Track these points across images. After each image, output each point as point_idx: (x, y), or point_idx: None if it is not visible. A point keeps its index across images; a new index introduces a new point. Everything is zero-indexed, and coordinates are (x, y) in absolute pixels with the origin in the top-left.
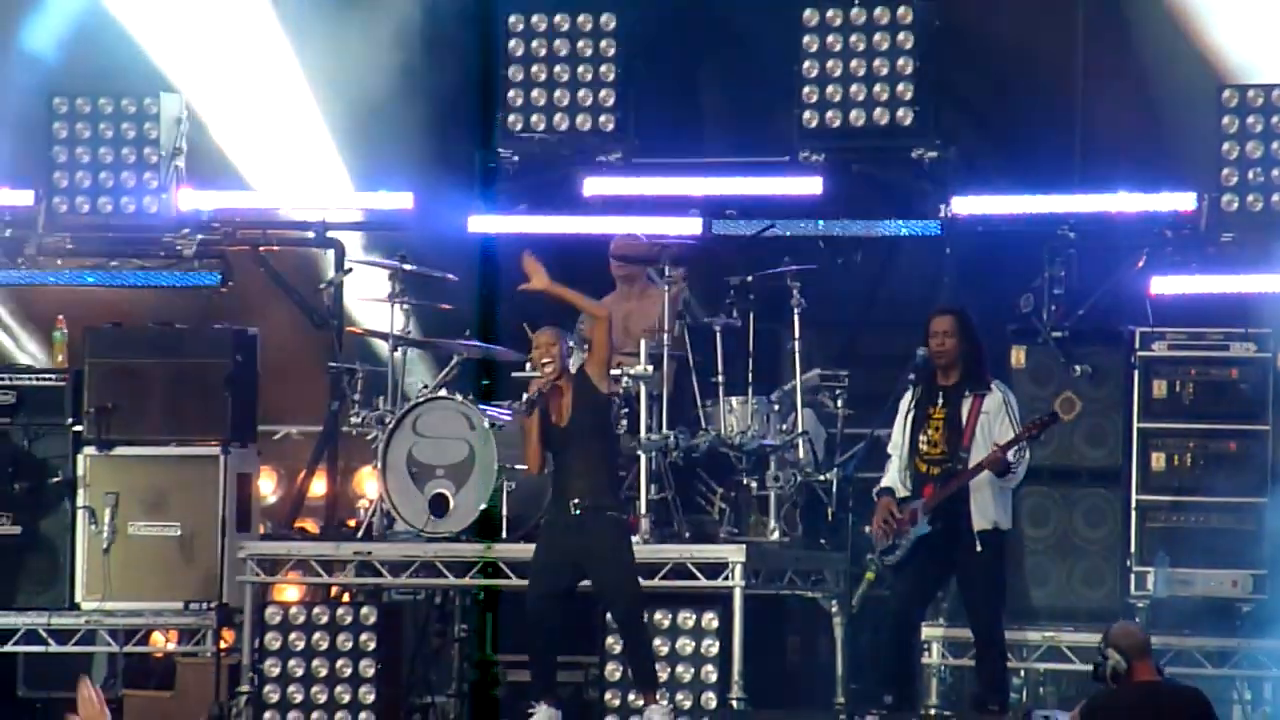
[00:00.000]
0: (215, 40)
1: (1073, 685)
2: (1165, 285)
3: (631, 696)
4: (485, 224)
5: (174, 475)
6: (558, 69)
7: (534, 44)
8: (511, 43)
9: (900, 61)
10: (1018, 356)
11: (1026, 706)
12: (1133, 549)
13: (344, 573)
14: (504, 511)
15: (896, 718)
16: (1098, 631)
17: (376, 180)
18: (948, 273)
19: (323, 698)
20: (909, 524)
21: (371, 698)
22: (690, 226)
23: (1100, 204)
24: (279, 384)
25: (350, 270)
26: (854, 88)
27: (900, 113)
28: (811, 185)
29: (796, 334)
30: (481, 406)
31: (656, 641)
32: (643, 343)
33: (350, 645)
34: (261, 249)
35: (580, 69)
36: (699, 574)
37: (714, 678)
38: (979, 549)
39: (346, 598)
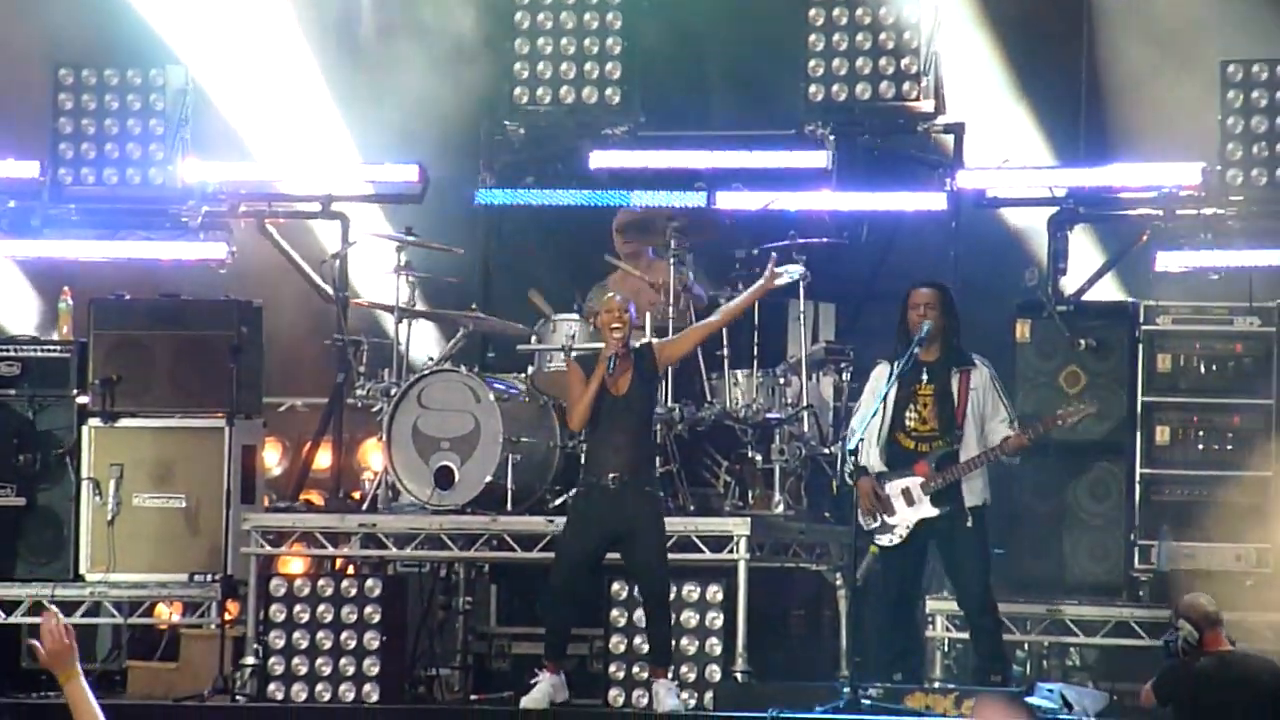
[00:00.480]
0: (220, 11)
1: (1077, 658)
2: (1169, 259)
3: (636, 669)
4: (491, 196)
5: (179, 447)
6: (564, 42)
7: (540, 17)
8: (517, 15)
9: (906, 36)
10: (1022, 330)
11: (1030, 679)
12: (1136, 522)
13: (348, 545)
14: (509, 484)
15: (900, 690)
16: (1101, 605)
17: (383, 153)
18: (953, 246)
19: (327, 670)
20: (905, 503)
21: (376, 670)
22: (696, 200)
23: (1105, 178)
24: (284, 356)
25: (356, 243)
26: (860, 61)
27: (906, 86)
28: (817, 159)
29: (802, 307)
30: (487, 379)
31: None
32: (647, 316)
33: (355, 617)
34: (267, 221)
35: (586, 42)
36: (704, 547)
37: (718, 650)
38: (970, 525)
39: (351, 570)
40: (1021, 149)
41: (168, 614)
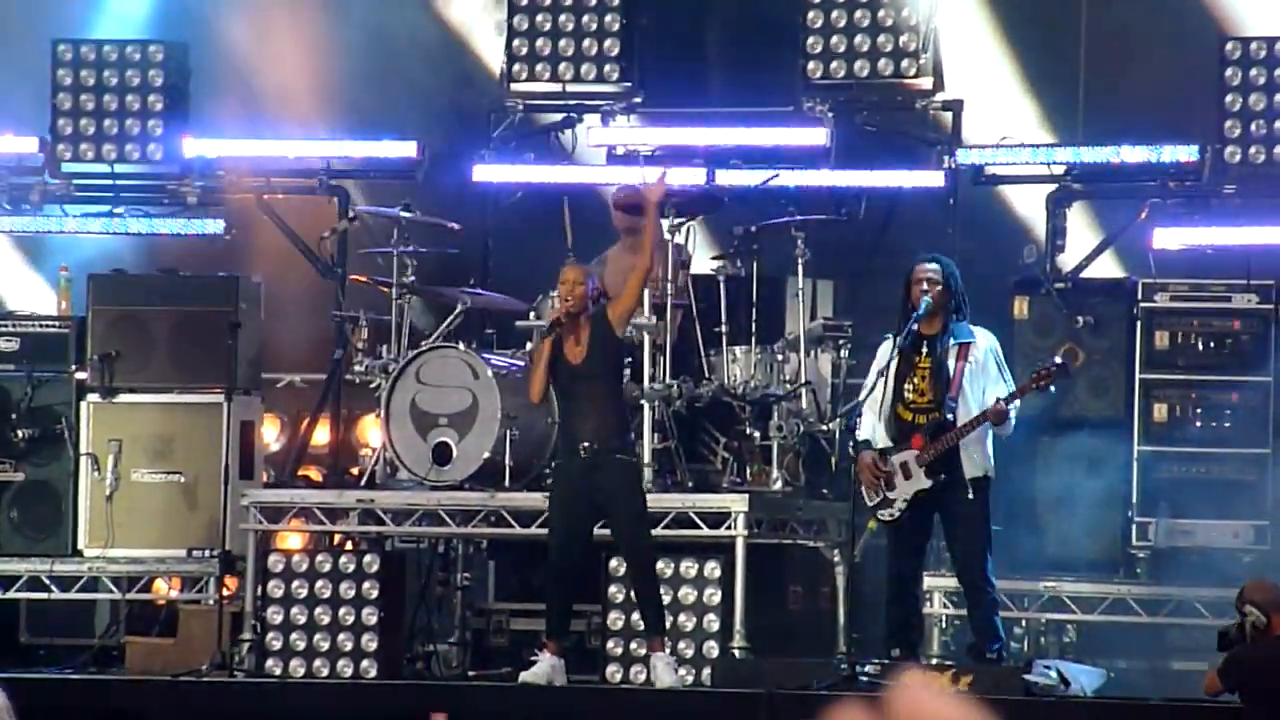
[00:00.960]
0: None
1: (1074, 635)
2: (1168, 237)
3: (634, 645)
4: (490, 173)
5: (177, 423)
6: (562, 18)
7: None
8: None
9: (904, 13)
10: (1020, 308)
11: (1028, 656)
12: (1134, 499)
13: (347, 521)
14: (507, 460)
15: (897, 667)
16: (1098, 581)
17: (382, 128)
18: (951, 224)
19: (325, 645)
20: (903, 477)
21: (374, 646)
22: (694, 177)
23: (1103, 155)
24: (283, 332)
25: (355, 218)
26: (859, 38)
27: (905, 64)
28: (816, 136)
29: (800, 284)
30: (485, 355)
31: None
32: (646, 292)
33: (353, 593)
34: (266, 196)
35: (585, 18)
36: (702, 523)
37: (716, 627)
38: (970, 496)
39: (349, 546)
40: (1020, 126)
41: (166, 590)
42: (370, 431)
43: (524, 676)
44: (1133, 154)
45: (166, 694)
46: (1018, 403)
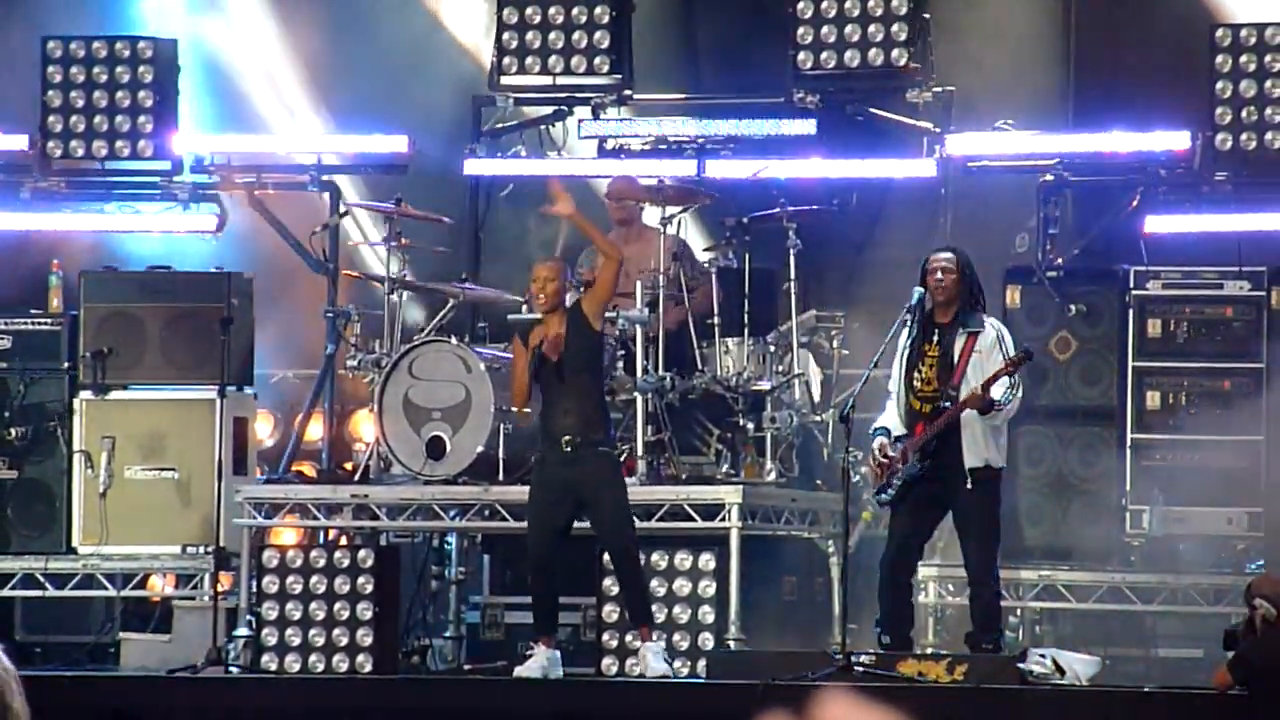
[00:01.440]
0: None
1: (1068, 624)
2: (1159, 224)
3: (629, 638)
4: (480, 167)
5: (170, 419)
6: (552, 11)
7: None
8: None
9: (895, 2)
10: (1013, 296)
11: (1022, 645)
12: (1128, 487)
13: (341, 516)
14: (500, 453)
15: (891, 657)
16: (1093, 570)
17: (372, 124)
18: (943, 213)
19: (320, 640)
20: (901, 462)
21: (369, 640)
22: (685, 168)
23: (1094, 144)
24: (275, 327)
25: (346, 213)
26: (849, 29)
27: (895, 54)
28: (806, 127)
29: (792, 275)
30: (477, 349)
31: (653, 583)
32: (639, 284)
33: (347, 588)
34: (257, 192)
35: (575, 10)
36: (695, 515)
37: (710, 618)
38: (969, 485)
39: (344, 541)
40: (1011, 115)
41: (160, 586)
42: (364, 426)
43: (519, 670)
44: (1124, 142)
45: (161, 691)
46: (1019, 393)
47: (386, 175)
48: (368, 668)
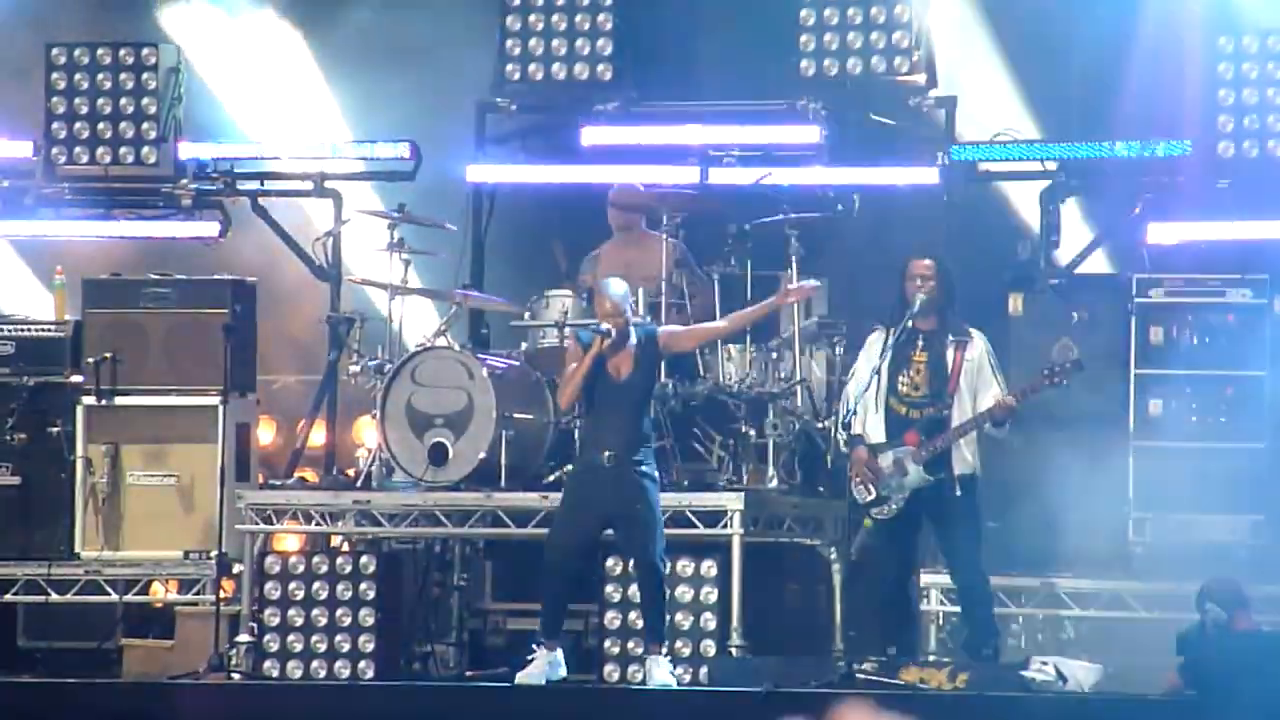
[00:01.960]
0: None
1: (1070, 631)
2: (1162, 232)
3: (631, 644)
4: (483, 174)
5: (173, 425)
6: (555, 17)
7: None
8: None
9: (897, 9)
10: (1015, 304)
11: (1026, 653)
12: (1130, 495)
13: (343, 522)
14: (503, 460)
15: (893, 664)
16: (1095, 578)
17: (375, 131)
18: (945, 220)
19: (322, 646)
20: (899, 474)
21: (371, 646)
22: (688, 175)
23: (1097, 151)
24: (277, 334)
25: (349, 220)
26: (852, 36)
27: (898, 61)
28: (809, 134)
29: (794, 281)
30: (480, 356)
31: None
32: (641, 291)
33: (350, 594)
34: (260, 199)
35: (578, 18)
36: (698, 522)
37: (713, 625)
38: (958, 493)
39: (346, 547)
40: (1013, 122)
41: (163, 592)
42: (366, 432)
43: (521, 676)
44: (1126, 149)
45: (164, 696)
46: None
47: (391, 182)
48: (370, 674)
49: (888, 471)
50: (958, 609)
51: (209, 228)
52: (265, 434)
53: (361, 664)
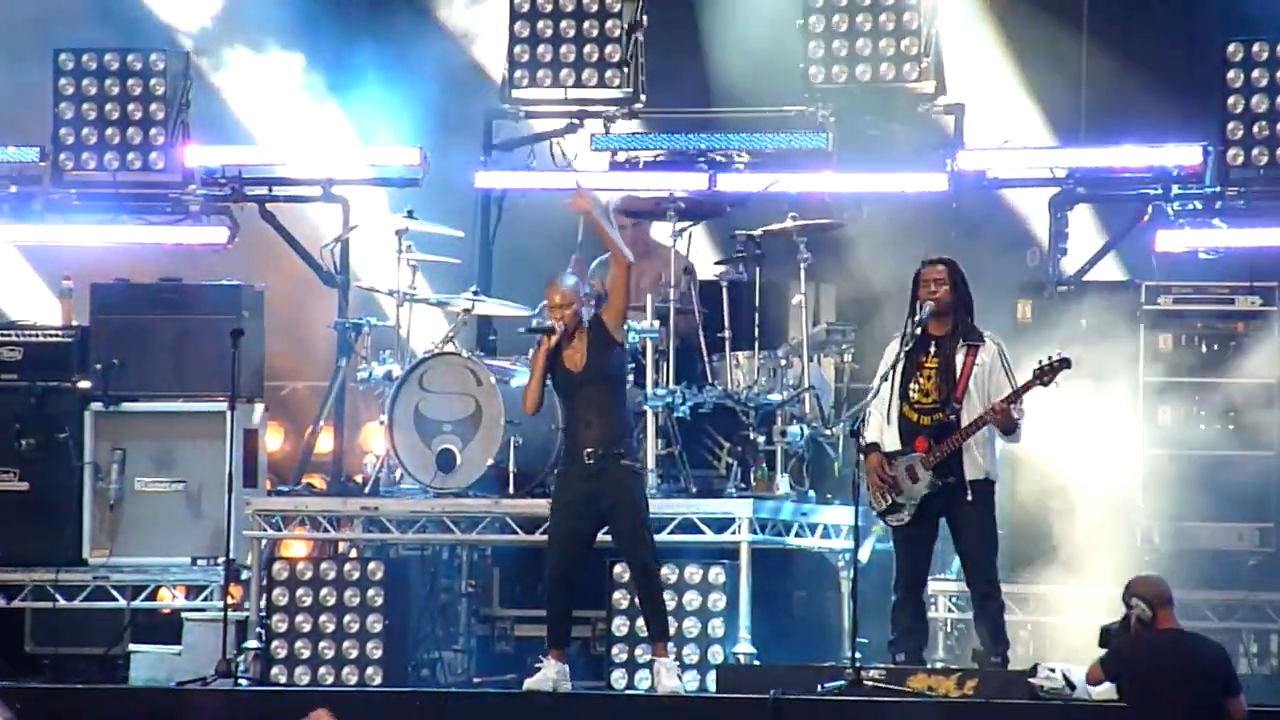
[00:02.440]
0: None
1: (1079, 637)
2: (1171, 239)
3: (639, 651)
4: (492, 180)
5: (181, 431)
6: (564, 25)
7: (539, 0)
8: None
9: (906, 17)
10: (1024, 310)
11: (1034, 659)
12: (1140, 502)
13: (351, 528)
14: (511, 466)
15: (901, 671)
16: (1104, 585)
17: (384, 136)
18: (954, 228)
19: (330, 653)
20: (910, 480)
21: (379, 653)
22: (697, 182)
23: (1106, 158)
24: (286, 340)
25: (357, 226)
26: (860, 42)
27: (906, 68)
28: (818, 141)
29: (803, 289)
30: (488, 362)
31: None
32: (649, 298)
33: (357, 601)
34: (268, 205)
35: (587, 25)
36: (706, 528)
37: (721, 632)
38: (970, 498)
39: (354, 553)
40: (1022, 129)
41: (170, 598)
42: (374, 438)
43: (529, 683)
44: (1135, 156)
45: (171, 703)
46: (1024, 408)
47: (399, 188)
48: (377, 680)
49: (901, 479)
50: (966, 616)
51: (217, 233)
52: (273, 440)
53: (369, 670)
